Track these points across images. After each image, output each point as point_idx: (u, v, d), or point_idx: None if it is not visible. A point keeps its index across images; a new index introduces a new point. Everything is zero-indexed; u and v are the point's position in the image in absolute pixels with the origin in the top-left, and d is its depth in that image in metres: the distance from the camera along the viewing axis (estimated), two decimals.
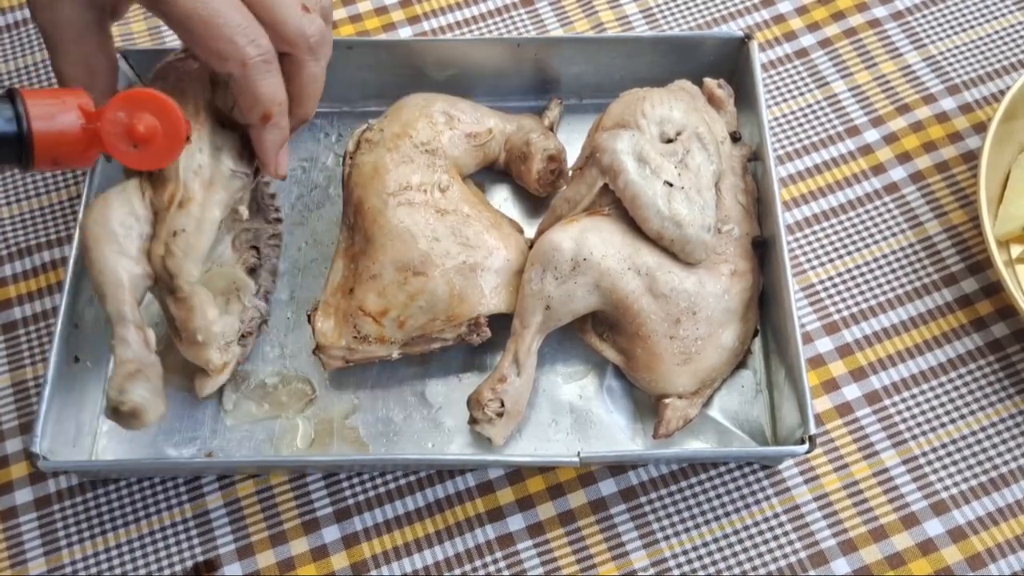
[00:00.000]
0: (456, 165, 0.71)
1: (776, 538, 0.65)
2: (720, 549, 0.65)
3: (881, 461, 0.67)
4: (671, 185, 0.64)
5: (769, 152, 0.69)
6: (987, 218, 0.69)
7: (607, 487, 0.67)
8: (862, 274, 0.74)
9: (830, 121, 0.80)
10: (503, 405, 0.65)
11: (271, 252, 0.70)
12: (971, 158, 0.78)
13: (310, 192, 0.76)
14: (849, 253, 0.75)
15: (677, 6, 0.86)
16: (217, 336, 0.64)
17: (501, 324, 0.67)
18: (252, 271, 0.68)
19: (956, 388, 0.69)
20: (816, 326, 0.72)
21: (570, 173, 0.70)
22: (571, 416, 0.68)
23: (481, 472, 0.67)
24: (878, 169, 0.78)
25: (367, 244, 0.67)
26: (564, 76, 0.78)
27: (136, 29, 0.85)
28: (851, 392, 0.70)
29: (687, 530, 0.65)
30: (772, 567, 0.64)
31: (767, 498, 0.66)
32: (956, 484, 0.66)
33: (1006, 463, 0.67)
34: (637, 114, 0.66)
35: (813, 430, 0.61)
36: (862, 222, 0.76)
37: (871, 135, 0.79)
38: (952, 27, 0.84)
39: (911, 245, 0.75)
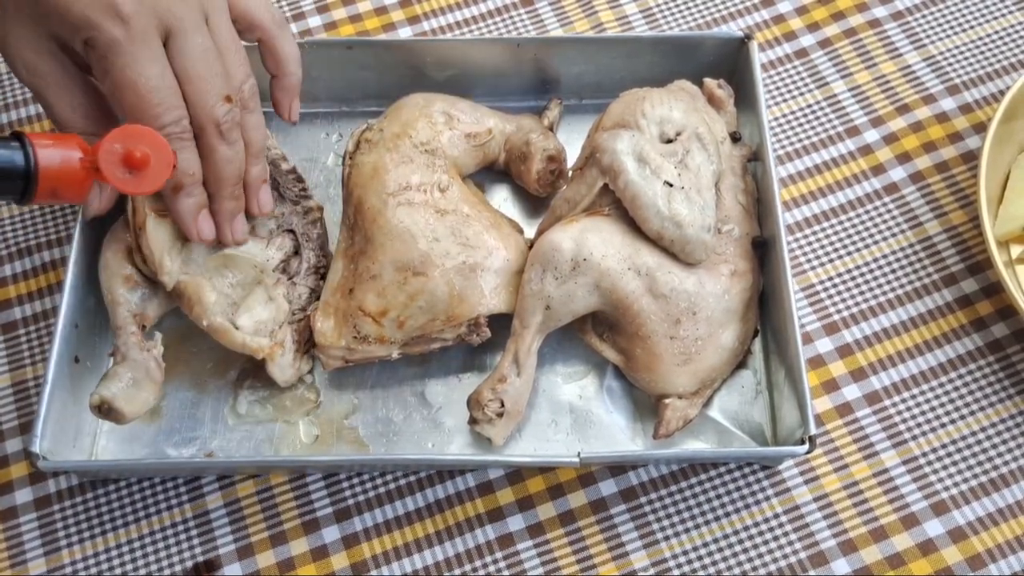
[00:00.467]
0: (456, 165, 0.71)
1: (776, 538, 0.65)
2: (720, 549, 0.65)
3: (881, 461, 0.67)
4: (671, 185, 0.64)
5: (769, 152, 0.69)
6: (987, 218, 0.69)
7: (607, 487, 0.67)
8: (862, 274, 0.74)
9: (830, 121, 0.80)
10: (503, 405, 0.65)
11: (310, 229, 0.71)
12: (971, 158, 0.78)
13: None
14: (849, 253, 0.75)
15: (677, 6, 0.86)
16: (245, 326, 0.66)
17: (501, 324, 0.67)
18: (296, 253, 0.69)
19: (956, 388, 0.69)
20: (816, 326, 0.72)
21: (570, 173, 0.70)
22: (571, 416, 0.68)
23: (481, 472, 0.67)
24: (878, 169, 0.78)
25: (367, 244, 0.67)
26: (564, 76, 0.78)
27: None
28: (851, 392, 0.70)
29: (687, 530, 0.65)
30: (772, 567, 0.64)
31: (767, 498, 0.66)
32: (956, 484, 0.66)
33: (1006, 463, 0.67)
34: (637, 114, 0.66)
35: (813, 430, 0.61)
36: (862, 222, 0.76)
37: (871, 135, 0.79)
38: (952, 27, 0.84)
39: (911, 245, 0.75)
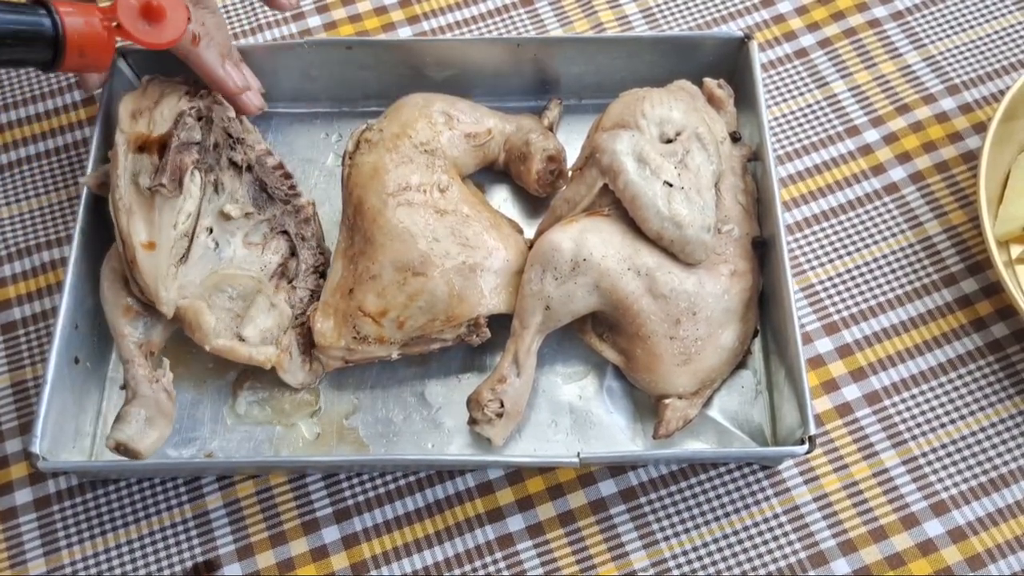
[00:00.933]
0: (456, 165, 0.71)
1: (776, 538, 0.65)
2: (720, 549, 0.65)
3: (881, 461, 0.67)
4: (671, 185, 0.64)
5: (769, 152, 0.69)
6: (987, 218, 0.69)
7: (607, 487, 0.67)
8: (862, 274, 0.74)
9: (830, 121, 0.80)
10: (503, 405, 0.65)
11: (304, 228, 0.71)
12: (971, 158, 0.78)
13: (310, 192, 0.76)
14: (849, 253, 0.75)
15: (677, 6, 0.86)
16: (251, 337, 0.66)
17: (501, 324, 0.67)
18: (293, 254, 0.69)
19: (956, 388, 0.69)
20: (816, 326, 0.72)
21: (570, 173, 0.70)
22: (571, 417, 0.68)
23: (481, 472, 0.67)
24: (878, 169, 0.78)
25: (367, 244, 0.67)
26: (564, 76, 0.78)
27: None
28: (851, 392, 0.70)
29: (687, 531, 0.65)
30: (772, 567, 0.64)
31: (767, 498, 0.66)
32: (956, 484, 0.66)
33: (1006, 463, 0.67)
34: (637, 114, 0.66)
35: (813, 430, 0.61)
36: (862, 222, 0.76)
37: (871, 135, 0.79)
38: (952, 27, 0.84)
39: (911, 245, 0.75)
